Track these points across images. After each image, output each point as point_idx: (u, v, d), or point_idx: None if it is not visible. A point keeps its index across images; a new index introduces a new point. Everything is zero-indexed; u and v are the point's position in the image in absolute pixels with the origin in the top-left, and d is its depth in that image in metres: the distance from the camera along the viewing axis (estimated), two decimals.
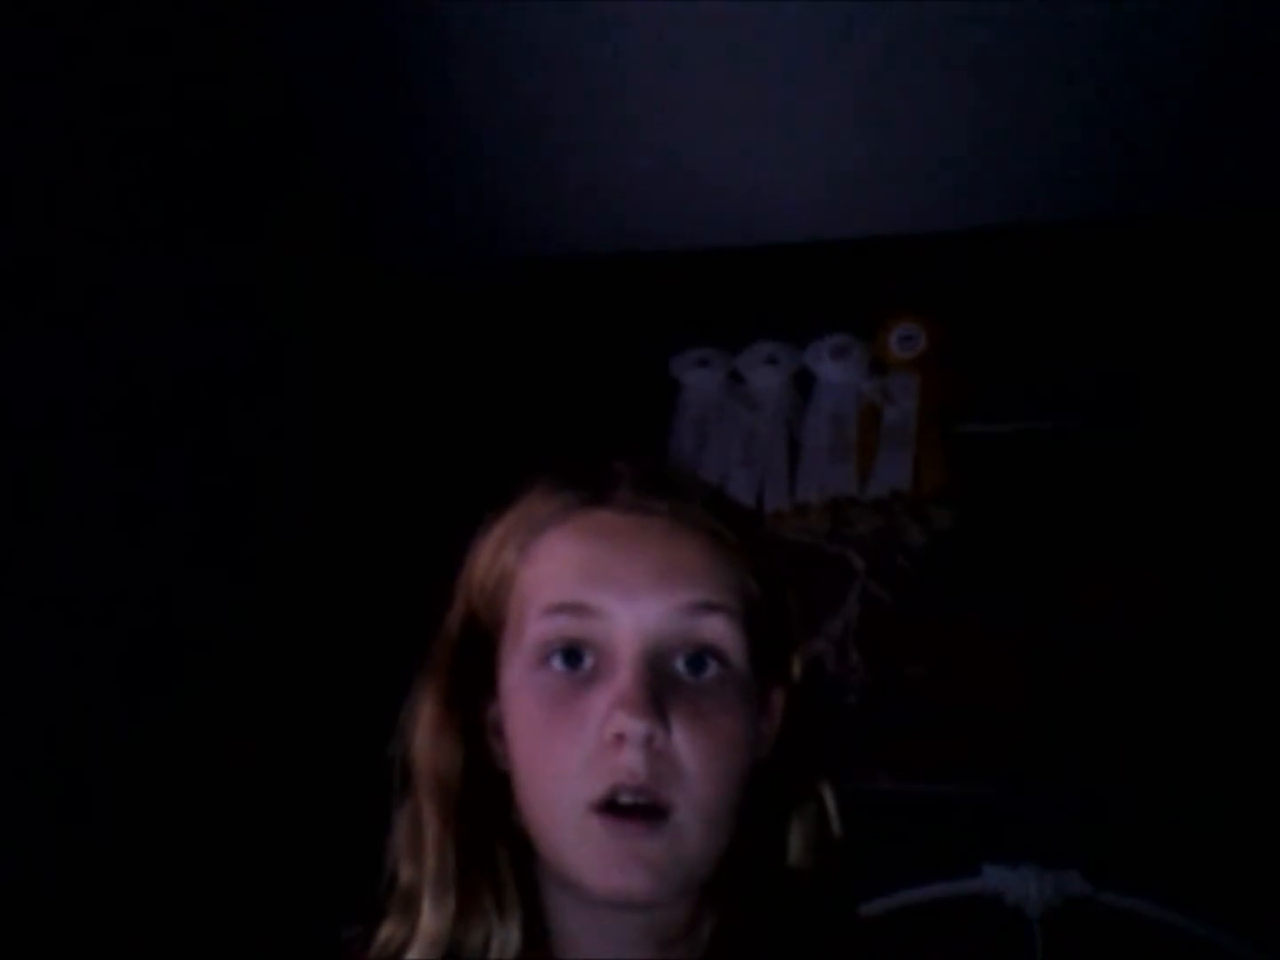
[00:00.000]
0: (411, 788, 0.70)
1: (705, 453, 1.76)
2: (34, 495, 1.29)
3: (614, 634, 0.65)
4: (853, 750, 1.54)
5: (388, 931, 0.68)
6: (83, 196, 1.38)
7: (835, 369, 1.77)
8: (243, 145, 1.67)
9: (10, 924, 1.20)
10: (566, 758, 0.63)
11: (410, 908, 0.68)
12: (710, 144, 1.73)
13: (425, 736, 0.70)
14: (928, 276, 1.80)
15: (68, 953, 1.26)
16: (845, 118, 1.68)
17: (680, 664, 0.66)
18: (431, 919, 0.66)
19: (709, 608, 0.66)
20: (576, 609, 0.66)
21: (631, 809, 0.62)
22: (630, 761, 0.62)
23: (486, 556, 0.72)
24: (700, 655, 0.66)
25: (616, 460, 0.73)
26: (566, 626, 0.66)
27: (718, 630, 0.66)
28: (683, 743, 0.63)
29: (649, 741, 0.62)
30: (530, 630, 0.67)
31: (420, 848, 0.68)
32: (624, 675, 0.63)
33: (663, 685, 0.64)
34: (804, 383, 1.79)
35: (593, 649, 0.65)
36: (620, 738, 0.62)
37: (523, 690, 0.67)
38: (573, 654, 0.65)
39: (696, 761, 0.63)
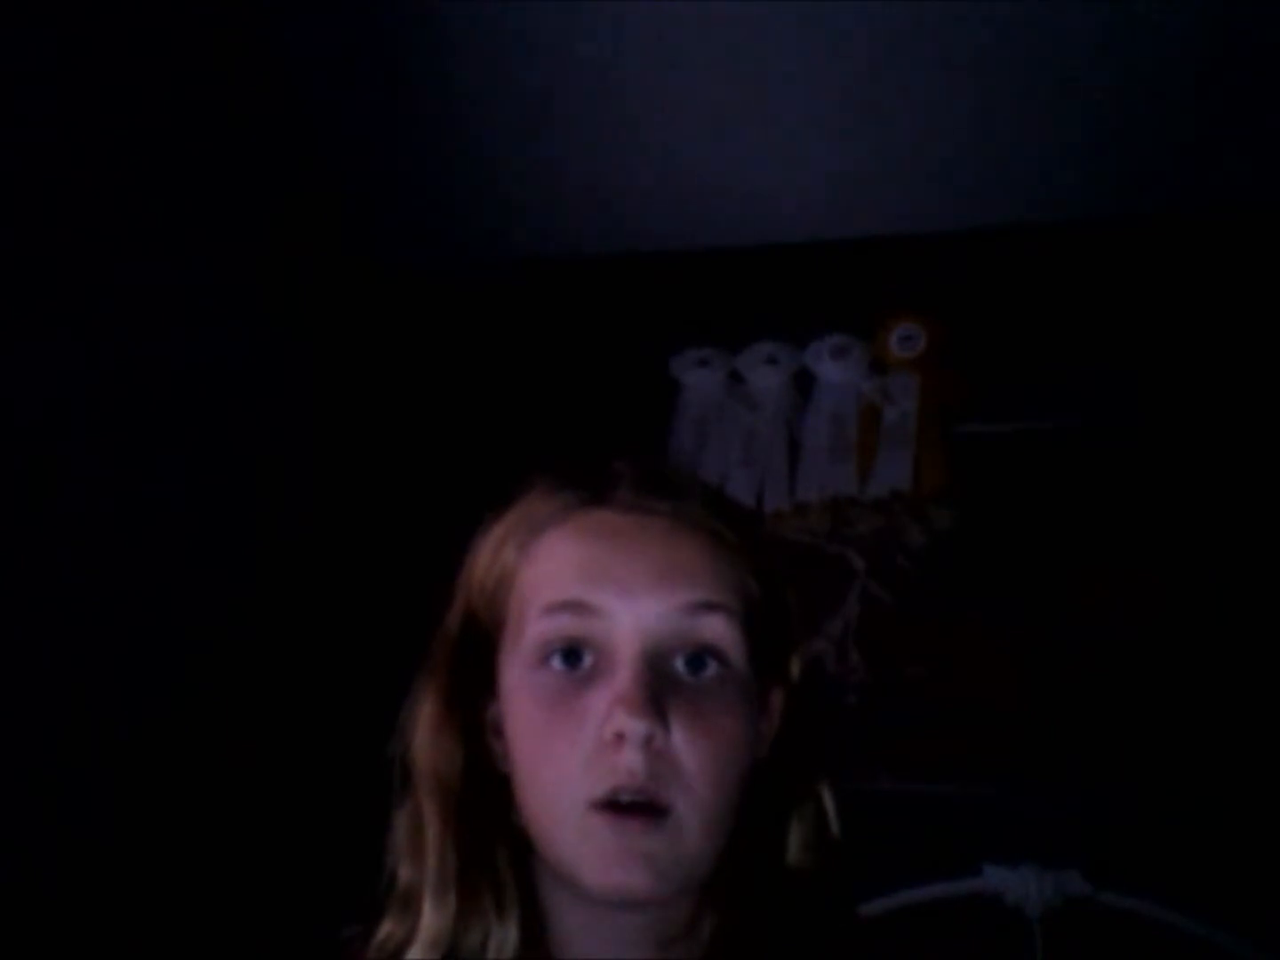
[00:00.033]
0: (411, 787, 0.70)
1: (705, 453, 1.76)
2: (34, 495, 1.29)
3: (614, 633, 0.65)
4: (853, 750, 1.53)
5: (387, 930, 0.68)
6: (83, 196, 1.38)
7: (835, 369, 1.77)
8: (243, 145, 1.67)
9: (10, 924, 1.20)
10: (566, 757, 0.63)
11: (410, 907, 0.68)
12: (710, 144, 1.73)
13: (425, 736, 0.70)
14: (928, 276, 1.80)
15: (68, 953, 1.26)
16: (845, 118, 1.68)
17: (680, 664, 0.66)
18: (431, 918, 0.66)
19: (709, 607, 0.66)
20: (576, 608, 0.66)
21: (631, 807, 0.62)
22: (630, 761, 0.62)
23: (486, 556, 0.72)
24: (700, 655, 0.66)
25: (616, 460, 0.73)
26: (566, 626, 0.66)
27: (717, 630, 0.66)
28: (682, 743, 0.63)
29: (649, 741, 0.62)
30: (530, 630, 0.67)
31: (420, 847, 0.68)
32: (624, 675, 0.64)
33: (662, 685, 0.64)
34: (804, 383, 1.79)
35: (592, 648, 0.65)
36: (620, 737, 0.62)
37: (522, 690, 0.67)
38: (572, 653, 0.65)
39: (696, 761, 0.63)
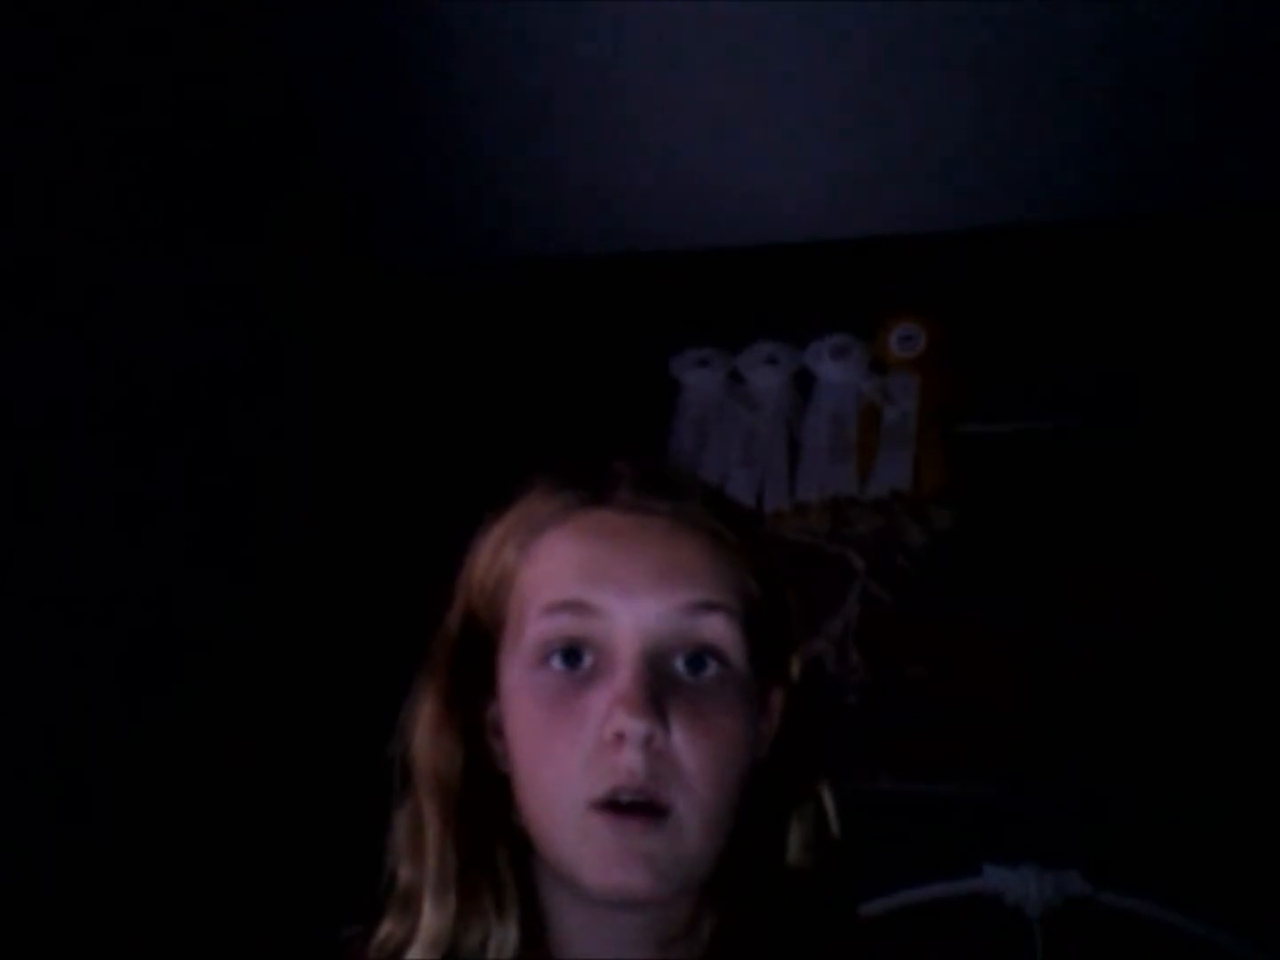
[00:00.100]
0: (411, 787, 0.70)
1: (705, 453, 1.76)
2: (34, 495, 1.29)
3: (614, 633, 0.65)
4: (853, 750, 1.53)
5: (387, 930, 0.68)
6: (83, 196, 1.38)
7: (835, 369, 1.77)
8: (243, 145, 1.68)
9: (10, 924, 1.20)
10: (566, 757, 0.63)
11: (410, 907, 0.68)
12: (710, 144, 1.73)
13: (425, 736, 0.70)
14: (928, 276, 1.80)
15: (68, 953, 1.26)
16: (845, 118, 1.68)
17: (680, 664, 0.66)
18: (432, 918, 0.66)
19: (709, 607, 0.66)
20: (576, 608, 0.66)
21: (631, 807, 0.62)
22: (630, 761, 0.62)
23: (486, 556, 0.72)
24: (700, 655, 0.66)
25: (616, 460, 0.73)
26: (566, 626, 0.66)
27: (717, 630, 0.66)
28: (682, 742, 0.63)
29: (648, 741, 0.62)
30: (530, 630, 0.67)
31: (420, 847, 0.68)
32: (623, 675, 0.64)
33: (662, 685, 0.64)
34: (804, 383, 1.79)
35: (592, 648, 0.65)
36: (620, 737, 0.62)
37: (522, 690, 0.67)
38: (572, 653, 0.65)
39: (696, 761, 0.63)
